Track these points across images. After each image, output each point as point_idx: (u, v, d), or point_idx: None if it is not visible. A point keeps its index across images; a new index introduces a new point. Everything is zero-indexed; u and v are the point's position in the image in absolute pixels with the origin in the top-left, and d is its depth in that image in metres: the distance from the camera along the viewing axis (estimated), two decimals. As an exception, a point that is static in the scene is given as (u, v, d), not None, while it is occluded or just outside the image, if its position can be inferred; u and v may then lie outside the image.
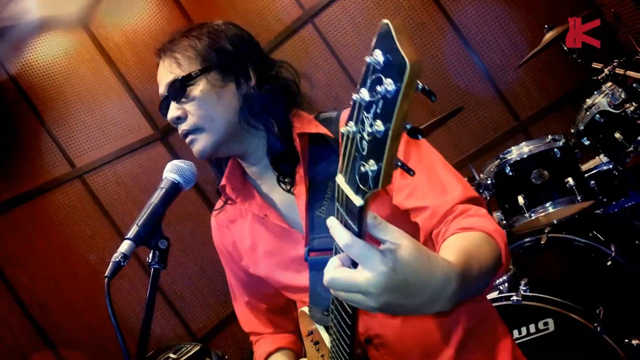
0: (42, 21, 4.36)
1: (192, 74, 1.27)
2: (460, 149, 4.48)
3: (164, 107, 1.33)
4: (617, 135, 2.60)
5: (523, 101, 4.36)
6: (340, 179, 0.78)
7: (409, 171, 0.74)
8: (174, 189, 1.22)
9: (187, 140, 1.32)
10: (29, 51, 4.37)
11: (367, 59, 0.68)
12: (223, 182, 1.41)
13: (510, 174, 2.76)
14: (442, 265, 0.83)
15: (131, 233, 1.13)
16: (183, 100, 1.28)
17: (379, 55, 0.67)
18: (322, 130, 1.31)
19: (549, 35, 2.82)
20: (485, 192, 2.89)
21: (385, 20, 0.66)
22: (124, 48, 4.82)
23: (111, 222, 4.42)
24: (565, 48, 2.58)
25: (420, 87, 0.68)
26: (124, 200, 4.56)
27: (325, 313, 1.26)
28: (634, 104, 2.41)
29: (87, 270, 4.11)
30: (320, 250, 1.27)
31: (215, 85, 1.29)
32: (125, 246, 1.11)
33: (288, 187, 1.34)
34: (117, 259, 1.08)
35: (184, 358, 2.67)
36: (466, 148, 4.47)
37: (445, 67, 4.41)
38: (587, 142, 2.84)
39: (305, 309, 1.34)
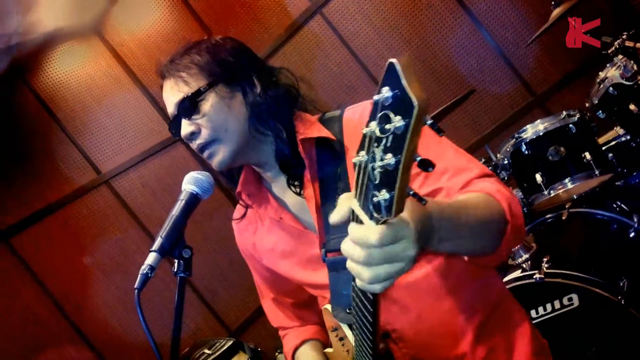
0: (56, 32, 4.46)
1: (201, 89, 1.31)
2: (477, 129, 4.47)
3: (175, 126, 1.36)
4: (632, 107, 2.57)
5: (538, 76, 4.32)
6: (354, 204, 0.80)
7: (421, 200, 0.78)
8: (193, 199, 1.29)
9: (205, 154, 1.35)
10: (47, 63, 4.49)
11: (375, 97, 0.70)
12: (238, 189, 1.46)
13: (527, 152, 2.76)
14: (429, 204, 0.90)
15: (156, 245, 1.19)
16: (195, 116, 1.32)
17: (386, 93, 0.69)
18: (324, 133, 1.34)
19: (556, 12, 2.80)
20: (502, 172, 2.91)
21: (392, 60, 0.68)
22: (138, 53, 4.90)
23: (139, 224, 4.54)
24: (574, 23, 2.56)
25: (429, 123, 0.71)
26: (151, 202, 4.67)
27: (348, 311, 1.31)
28: (646, 75, 2.39)
29: (120, 273, 4.25)
30: (336, 250, 1.30)
31: (224, 96, 1.32)
32: (151, 258, 1.17)
33: (298, 190, 1.38)
34: (144, 271, 1.15)
35: (218, 353, 2.77)
36: (483, 127, 4.46)
37: (456, 47, 4.39)
38: (602, 116, 2.82)
39: (328, 306, 1.39)
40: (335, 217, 0.84)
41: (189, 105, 1.31)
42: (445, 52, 4.40)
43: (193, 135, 1.33)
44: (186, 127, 1.33)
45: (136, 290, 1.14)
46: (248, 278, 1.72)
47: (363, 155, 0.74)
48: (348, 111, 1.39)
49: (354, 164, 0.76)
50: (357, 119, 1.34)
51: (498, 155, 3.02)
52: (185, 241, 1.23)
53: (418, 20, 4.42)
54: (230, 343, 2.85)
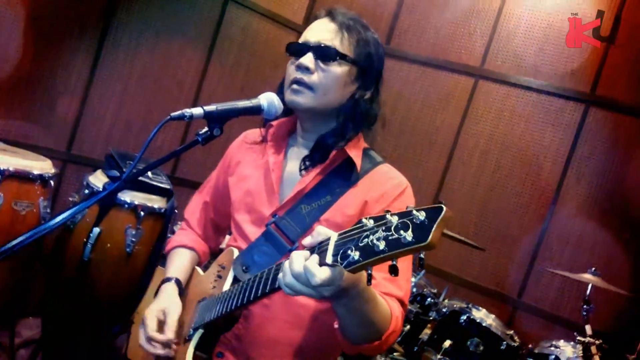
0: None
1: (347, 58, 1.55)
2: (461, 268, 4.64)
3: (301, 50, 1.56)
4: (551, 381, 2.82)
5: (537, 291, 4.46)
6: (334, 237, 1.03)
7: (369, 281, 1.00)
8: (257, 109, 1.49)
9: (295, 86, 1.55)
10: None
11: (415, 210, 0.90)
12: (274, 122, 1.69)
13: (461, 322, 3.02)
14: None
15: (208, 108, 1.39)
16: (323, 63, 1.53)
17: (421, 215, 0.89)
18: (357, 161, 1.57)
19: (588, 276, 3.01)
20: (434, 312, 3.15)
21: (444, 205, 0.87)
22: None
23: (209, 53, 4.71)
24: (586, 301, 2.79)
25: (420, 257, 0.92)
26: (236, 52, 4.81)
27: (244, 269, 1.54)
28: (582, 377, 2.63)
29: (153, 83, 4.43)
30: (281, 231, 1.54)
31: (349, 76, 1.57)
32: (197, 111, 1.37)
33: (302, 169, 1.62)
34: (185, 113, 1.34)
35: (153, 182, 3.00)
36: (465, 271, 4.61)
37: (509, 215, 4.54)
38: (529, 362, 3.07)
39: (236, 252, 1.60)
40: (308, 240, 1.12)
41: (328, 56, 1.54)
42: (503, 214, 4.57)
43: (307, 70, 1.54)
44: (309, 61, 1.54)
45: (169, 117, 1.34)
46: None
47: (371, 223, 0.96)
48: (385, 167, 1.63)
49: (360, 220, 0.98)
50: (382, 180, 1.58)
51: (447, 300, 3.26)
52: (223, 126, 1.43)
53: (521, 169, 4.56)
54: (167, 187, 3.06)
